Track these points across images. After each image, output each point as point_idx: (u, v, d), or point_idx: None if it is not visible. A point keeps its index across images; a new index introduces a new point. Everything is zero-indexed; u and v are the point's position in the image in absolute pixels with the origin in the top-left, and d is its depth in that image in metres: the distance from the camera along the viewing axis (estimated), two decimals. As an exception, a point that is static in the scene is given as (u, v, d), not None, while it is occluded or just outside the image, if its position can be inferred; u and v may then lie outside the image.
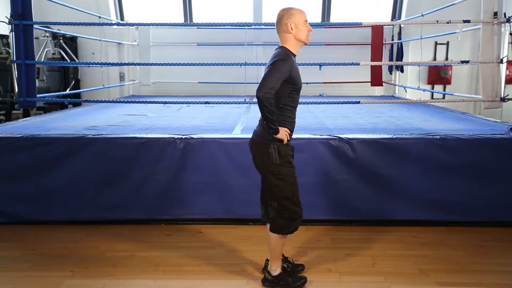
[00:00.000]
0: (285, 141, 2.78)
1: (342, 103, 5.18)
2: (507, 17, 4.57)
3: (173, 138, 4.03)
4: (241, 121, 5.12)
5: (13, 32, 4.61)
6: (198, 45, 8.77)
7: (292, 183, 2.86)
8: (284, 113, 2.79)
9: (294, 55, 2.80)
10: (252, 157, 2.93)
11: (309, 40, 2.83)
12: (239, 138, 4.03)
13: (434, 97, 8.84)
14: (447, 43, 8.84)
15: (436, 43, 8.85)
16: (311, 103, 5.70)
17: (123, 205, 4.03)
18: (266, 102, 2.61)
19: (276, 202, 2.87)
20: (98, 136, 4.09)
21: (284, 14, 2.77)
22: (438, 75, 8.95)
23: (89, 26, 6.03)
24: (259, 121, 2.90)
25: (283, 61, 2.68)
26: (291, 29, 2.75)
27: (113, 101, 6.42)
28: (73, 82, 8.77)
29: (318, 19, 9.23)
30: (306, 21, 2.79)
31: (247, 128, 4.51)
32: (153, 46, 8.66)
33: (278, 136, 2.73)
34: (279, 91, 2.69)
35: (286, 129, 2.78)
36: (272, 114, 2.66)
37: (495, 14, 4.53)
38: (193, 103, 5.45)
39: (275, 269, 2.97)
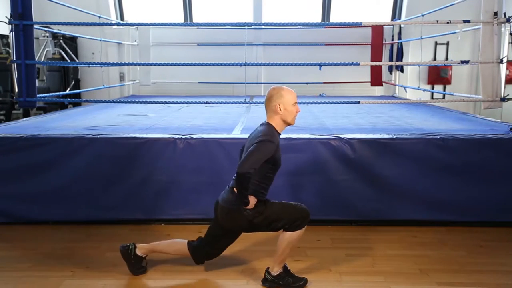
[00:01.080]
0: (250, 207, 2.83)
1: (342, 103, 5.18)
2: (507, 17, 4.56)
3: (173, 138, 4.03)
4: (241, 121, 5.12)
5: (13, 32, 4.60)
6: (198, 45, 8.78)
7: (272, 203, 2.90)
8: (258, 190, 2.84)
9: (279, 134, 2.86)
10: (220, 221, 2.96)
11: (295, 122, 2.89)
12: (239, 138, 4.03)
13: (434, 97, 8.84)
14: (447, 43, 8.84)
15: (436, 43, 8.85)
16: (311, 103, 5.70)
17: (123, 205, 4.03)
18: (244, 180, 2.66)
19: (283, 222, 2.87)
20: (98, 136, 4.09)
21: (274, 95, 2.83)
22: (438, 75, 8.95)
23: (89, 26, 6.04)
24: (228, 187, 2.95)
25: (269, 143, 2.73)
26: (280, 109, 2.81)
27: (113, 101, 6.42)
28: (73, 82, 8.77)
29: (318, 19, 9.23)
30: (296, 103, 2.85)
31: (247, 128, 4.51)
32: (153, 46, 8.66)
33: (248, 206, 2.80)
34: (258, 169, 2.72)
35: (254, 198, 2.82)
36: (247, 190, 2.72)
37: (495, 14, 4.53)
38: (193, 103, 5.45)
39: (277, 270, 2.97)
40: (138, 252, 3.11)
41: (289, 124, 2.89)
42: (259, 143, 2.71)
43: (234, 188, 2.79)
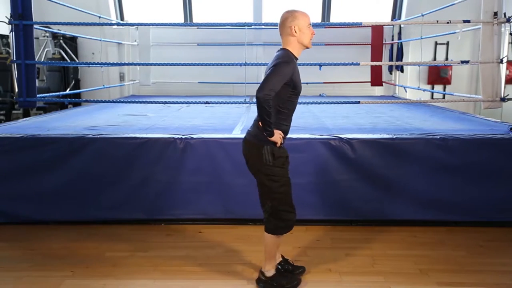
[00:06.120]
0: (279, 144, 2.77)
1: (342, 103, 5.18)
2: (507, 17, 4.56)
3: (173, 138, 4.03)
4: (241, 121, 5.12)
5: (13, 32, 4.61)
6: (198, 45, 8.77)
7: (284, 184, 2.85)
8: (281, 116, 2.78)
9: (296, 58, 2.80)
10: (245, 158, 2.93)
11: (311, 45, 2.83)
12: (239, 138, 4.00)
13: (434, 97, 8.84)
14: (447, 43, 8.84)
15: (436, 43, 8.85)
16: (311, 103, 5.71)
17: (123, 205, 4.03)
18: (265, 104, 2.60)
19: (270, 202, 2.85)
20: (98, 136, 4.09)
21: (288, 17, 2.75)
22: (438, 75, 8.95)
23: (89, 26, 6.03)
24: (254, 121, 2.90)
25: (285, 64, 2.67)
26: (295, 32, 2.73)
27: (113, 101, 6.42)
28: (73, 82, 8.77)
29: (318, 19, 9.23)
30: (310, 24, 2.79)
31: (247, 128, 4.49)
32: (153, 46, 8.66)
33: (273, 139, 2.72)
34: (279, 94, 2.68)
35: (280, 132, 2.77)
36: (270, 116, 2.65)
37: (495, 14, 4.53)
38: (193, 103, 5.46)
39: (269, 270, 2.96)
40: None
41: (306, 47, 2.81)
42: (275, 66, 2.65)
43: (260, 122, 2.71)
